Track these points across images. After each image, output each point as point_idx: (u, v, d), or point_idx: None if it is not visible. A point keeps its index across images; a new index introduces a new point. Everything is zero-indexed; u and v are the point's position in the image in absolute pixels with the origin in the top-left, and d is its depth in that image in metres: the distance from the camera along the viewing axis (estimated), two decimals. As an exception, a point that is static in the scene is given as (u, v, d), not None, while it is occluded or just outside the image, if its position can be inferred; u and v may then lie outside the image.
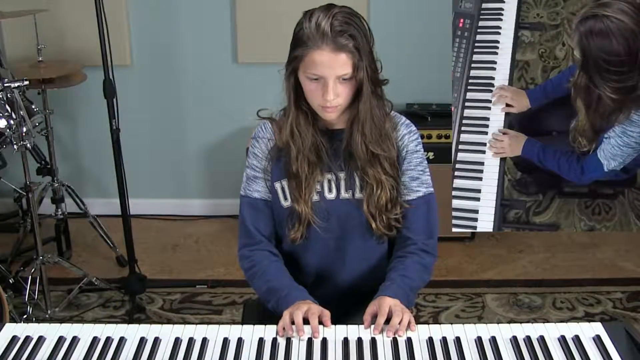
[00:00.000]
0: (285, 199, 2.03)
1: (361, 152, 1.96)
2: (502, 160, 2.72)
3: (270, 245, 2.08)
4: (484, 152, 2.73)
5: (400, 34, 4.03)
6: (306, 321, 1.79)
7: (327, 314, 1.81)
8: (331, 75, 1.84)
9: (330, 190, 2.02)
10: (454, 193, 2.73)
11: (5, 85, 3.08)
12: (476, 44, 2.82)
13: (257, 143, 2.06)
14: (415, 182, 2.03)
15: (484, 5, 2.84)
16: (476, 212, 2.71)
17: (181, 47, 4.23)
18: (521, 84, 2.81)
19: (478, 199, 2.71)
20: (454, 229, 2.73)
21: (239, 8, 4.09)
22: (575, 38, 2.38)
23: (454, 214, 2.71)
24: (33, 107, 3.54)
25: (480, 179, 2.72)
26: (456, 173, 2.75)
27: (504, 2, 2.84)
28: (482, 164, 2.73)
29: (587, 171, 2.58)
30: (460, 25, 2.84)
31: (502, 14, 2.84)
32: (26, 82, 3.12)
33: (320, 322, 1.79)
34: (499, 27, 2.83)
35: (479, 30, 2.83)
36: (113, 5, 3.77)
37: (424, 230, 2.05)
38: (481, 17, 2.84)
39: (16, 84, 3.09)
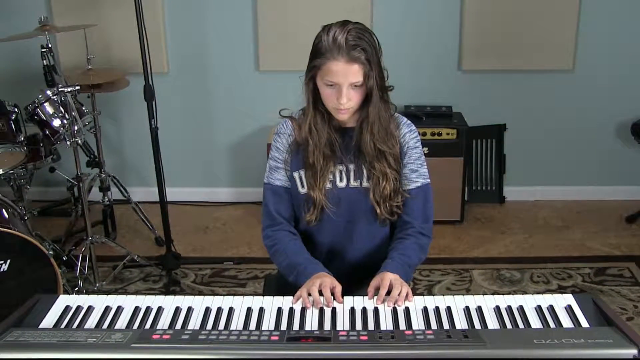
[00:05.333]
0: (302, 186, 2.03)
1: (370, 148, 1.96)
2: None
3: (290, 226, 2.08)
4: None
5: (400, 44, 4.01)
6: (320, 293, 1.78)
7: (339, 289, 1.80)
8: (345, 83, 1.84)
9: (341, 179, 2.02)
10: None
11: (60, 90, 3.09)
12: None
13: (279, 138, 2.06)
14: (415, 173, 2.03)
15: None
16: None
17: (210, 57, 4.22)
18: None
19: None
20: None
21: (260, 22, 4.07)
22: None
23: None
24: (83, 108, 3.54)
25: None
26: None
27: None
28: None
29: None
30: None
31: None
32: (77, 87, 3.13)
33: (333, 294, 1.79)
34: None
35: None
36: (152, 21, 3.78)
37: (421, 215, 2.05)
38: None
39: (69, 89, 3.10)
